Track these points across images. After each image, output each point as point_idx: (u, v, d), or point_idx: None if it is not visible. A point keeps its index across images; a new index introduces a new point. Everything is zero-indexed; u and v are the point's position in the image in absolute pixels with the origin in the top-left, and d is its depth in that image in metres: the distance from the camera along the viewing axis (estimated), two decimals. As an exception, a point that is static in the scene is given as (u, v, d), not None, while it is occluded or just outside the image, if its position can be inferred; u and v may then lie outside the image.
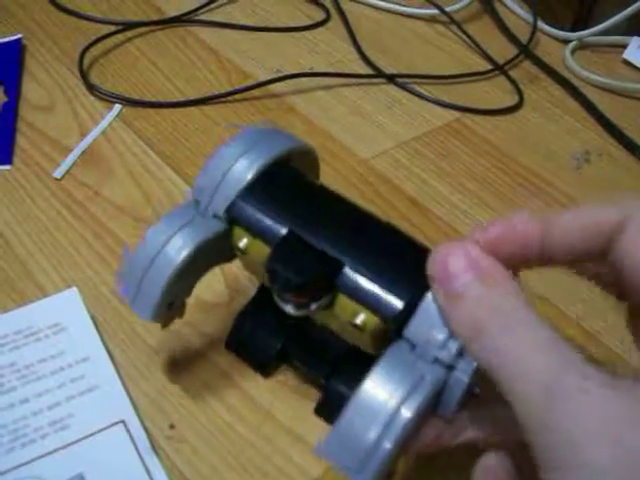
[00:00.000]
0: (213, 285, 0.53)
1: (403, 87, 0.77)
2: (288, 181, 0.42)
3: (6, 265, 0.54)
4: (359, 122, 0.72)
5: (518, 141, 0.72)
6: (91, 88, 0.71)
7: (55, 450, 0.42)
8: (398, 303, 0.36)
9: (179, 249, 0.39)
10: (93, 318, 0.49)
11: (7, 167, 0.62)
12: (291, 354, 0.48)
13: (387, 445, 0.32)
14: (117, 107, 0.69)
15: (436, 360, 0.34)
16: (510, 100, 0.78)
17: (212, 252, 0.41)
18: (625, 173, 0.70)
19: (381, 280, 0.37)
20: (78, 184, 0.61)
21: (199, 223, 0.41)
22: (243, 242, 0.40)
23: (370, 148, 0.68)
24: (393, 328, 0.36)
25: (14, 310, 0.48)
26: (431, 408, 0.34)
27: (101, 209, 0.59)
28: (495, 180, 0.67)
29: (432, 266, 0.34)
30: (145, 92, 0.72)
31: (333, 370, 0.46)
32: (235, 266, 0.52)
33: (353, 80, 0.77)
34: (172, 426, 0.45)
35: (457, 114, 0.75)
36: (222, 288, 0.53)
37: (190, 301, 0.49)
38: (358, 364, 0.38)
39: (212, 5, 0.87)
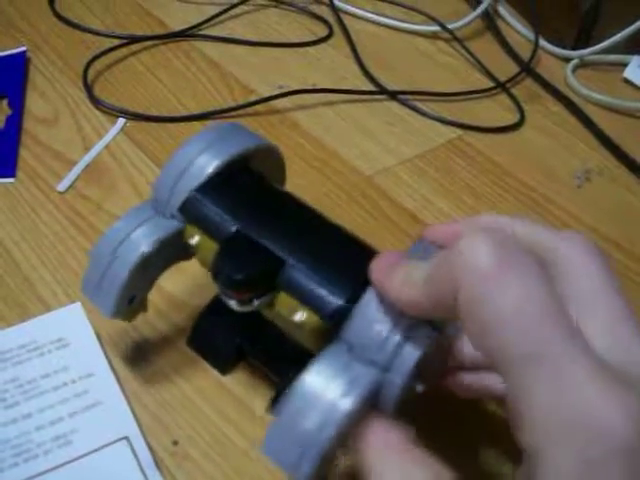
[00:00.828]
0: (208, 297, 0.53)
1: (405, 104, 0.78)
2: (242, 182, 0.44)
3: (9, 279, 0.54)
4: (361, 138, 0.72)
5: (519, 159, 0.73)
6: (95, 102, 0.71)
7: (58, 466, 0.42)
8: (335, 301, 0.37)
9: (136, 247, 0.41)
10: (97, 333, 0.49)
11: (11, 180, 0.62)
12: (248, 352, 0.49)
13: (324, 438, 0.32)
14: (121, 121, 0.69)
15: (372, 362, 0.35)
16: (511, 118, 0.78)
17: (170, 250, 0.43)
18: (626, 191, 0.71)
19: (320, 279, 0.38)
20: (81, 198, 0.61)
21: (156, 222, 0.42)
22: (194, 239, 0.42)
23: (372, 164, 0.69)
24: (331, 327, 0.37)
25: (18, 325, 0.49)
26: (368, 408, 0.34)
27: (104, 223, 0.59)
28: (496, 197, 0.67)
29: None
30: (149, 106, 0.72)
31: (287, 368, 0.45)
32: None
33: (355, 96, 0.78)
34: (175, 442, 0.45)
35: (459, 131, 0.75)
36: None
37: (191, 316, 0.49)
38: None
39: (216, 20, 0.87)
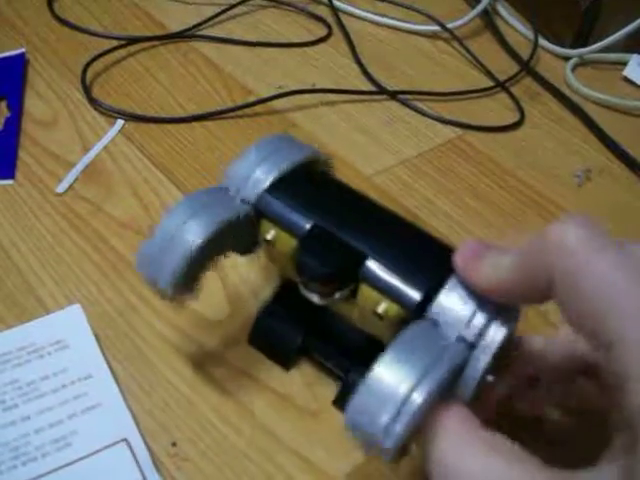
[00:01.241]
0: (214, 301, 0.53)
1: (405, 104, 0.77)
2: (313, 178, 0.46)
3: (8, 280, 0.54)
4: (361, 139, 0.72)
5: (519, 158, 0.72)
6: (94, 103, 0.71)
7: (57, 468, 0.41)
8: (417, 293, 0.38)
9: (209, 219, 0.42)
10: (96, 335, 0.49)
11: (10, 182, 0.62)
12: (311, 348, 0.50)
13: (418, 399, 0.33)
14: (120, 122, 0.69)
15: (459, 338, 0.36)
16: (511, 117, 0.78)
17: (235, 234, 0.43)
18: (626, 190, 0.71)
19: (402, 271, 0.39)
20: (80, 199, 0.61)
21: (227, 204, 0.43)
22: (271, 234, 0.43)
23: (372, 165, 0.68)
24: (412, 318, 0.38)
25: (17, 327, 0.48)
26: (450, 385, 0.35)
27: (103, 224, 0.59)
28: (496, 197, 0.67)
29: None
30: (147, 107, 0.72)
31: (352, 363, 0.47)
32: (237, 282, 0.53)
33: (355, 96, 0.77)
34: (174, 444, 0.45)
35: (459, 131, 0.75)
36: (223, 304, 0.53)
37: (190, 317, 0.49)
38: (375, 358, 0.39)
39: (214, 20, 0.87)
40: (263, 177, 0.44)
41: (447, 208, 0.65)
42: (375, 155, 0.70)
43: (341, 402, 0.47)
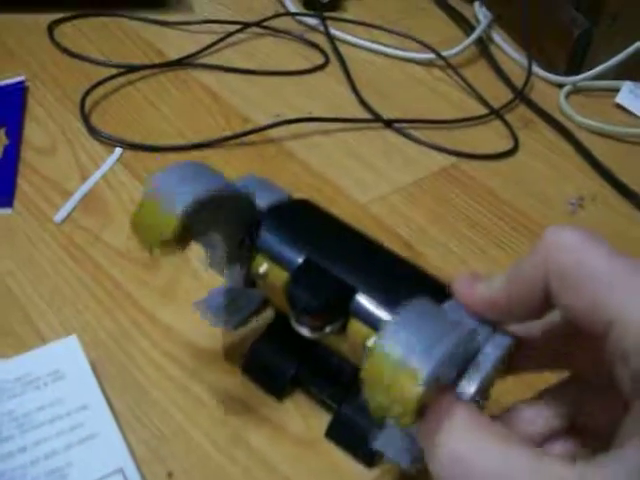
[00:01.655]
0: (209, 330, 0.54)
1: (400, 132, 0.78)
2: (304, 212, 0.47)
3: (5, 310, 0.54)
4: (357, 167, 0.73)
5: (513, 186, 0.73)
6: (92, 131, 0.72)
7: (53, 500, 0.42)
8: None
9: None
10: (92, 365, 0.49)
11: (8, 210, 0.63)
12: (304, 379, 0.50)
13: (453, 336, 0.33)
14: (118, 151, 0.70)
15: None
16: (506, 144, 0.79)
17: (235, 215, 0.43)
18: (619, 218, 0.71)
19: (391, 306, 0.39)
20: (78, 228, 0.61)
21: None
22: (263, 267, 0.43)
23: (367, 193, 0.69)
24: None
25: (14, 357, 0.49)
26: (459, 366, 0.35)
27: (101, 254, 0.59)
28: (490, 225, 0.68)
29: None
30: (146, 135, 0.73)
31: (345, 395, 0.48)
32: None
33: (351, 125, 0.78)
34: (170, 474, 0.45)
35: (453, 159, 0.76)
36: (218, 334, 0.54)
37: (186, 347, 0.50)
38: None
39: (213, 48, 0.88)
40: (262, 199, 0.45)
41: (441, 237, 0.65)
42: (370, 183, 0.71)
43: (334, 434, 0.48)
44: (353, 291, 0.41)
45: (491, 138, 0.80)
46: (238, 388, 0.50)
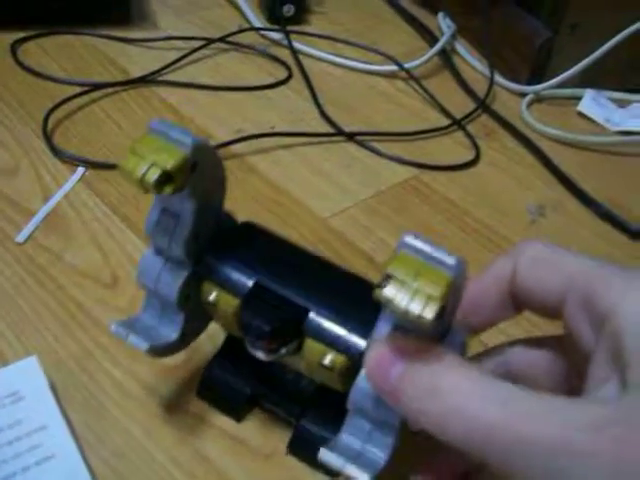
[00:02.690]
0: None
1: (363, 145, 0.79)
2: (250, 235, 0.46)
3: (-33, 332, 0.54)
4: (319, 181, 0.73)
5: (474, 196, 0.74)
6: (55, 151, 0.72)
7: (12, 522, 0.42)
8: (361, 341, 0.40)
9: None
10: (52, 385, 0.49)
11: (-30, 232, 0.63)
12: (261, 397, 0.51)
13: None
14: (80, 170, 0.70)
15: None
16: (467, 155, 0.80)
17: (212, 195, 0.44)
18: (580, 226, 0.72)
19: (345, 322, 0.41)
20: (40, 249, 0.61)
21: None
22: (212, 295, 0.43)
23: (329, 207, 0.70)
24: (358, 365, 0.38)
25: (-27, 379, 0.49)
26: None
27: (63, 274, 0.59)
28: (451, 236, 0.68)
29: (367, 374, 0.35)
30: (109, 154, 0.73)
31: (303, 409, 0.48)
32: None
33: (313, 139, 0.79)
34: (129, 492, 0.46)
35: (415, 171, 0.76)
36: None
37: (146, 363, 0.50)
38: (325, 403, 0.46)
39: (176, 65, 0.89)
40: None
41: (402, 249, 0.66)
42: (331, 197, 0.71)
43: (295, 449, 0.49)
44: (306, 311, 0.41)
45: (453, 149, 0.81)
46: (198, 403, 0.51)
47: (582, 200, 0.76)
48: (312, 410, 0.48)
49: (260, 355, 0.42)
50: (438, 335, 0.36)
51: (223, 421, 0.50)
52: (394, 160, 0.78)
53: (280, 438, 0.49)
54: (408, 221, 0.69)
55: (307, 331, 0.41)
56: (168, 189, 0.37)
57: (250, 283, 0.43)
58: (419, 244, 0.33)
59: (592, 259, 0.35)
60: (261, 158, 0.75)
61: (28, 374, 0.49)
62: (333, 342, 0.40)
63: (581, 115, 0.91)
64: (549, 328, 0.39)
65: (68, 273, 0.60)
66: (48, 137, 0.73)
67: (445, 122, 0.85)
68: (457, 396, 0.31)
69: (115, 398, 0.51)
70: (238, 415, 0.50)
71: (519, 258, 0.37)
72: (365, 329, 0.39)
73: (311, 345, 0.41)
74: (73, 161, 0.71)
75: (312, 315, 0.41)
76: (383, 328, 0.36)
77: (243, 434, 0.49)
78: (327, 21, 1.05)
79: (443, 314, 0.31)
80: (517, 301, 0.38)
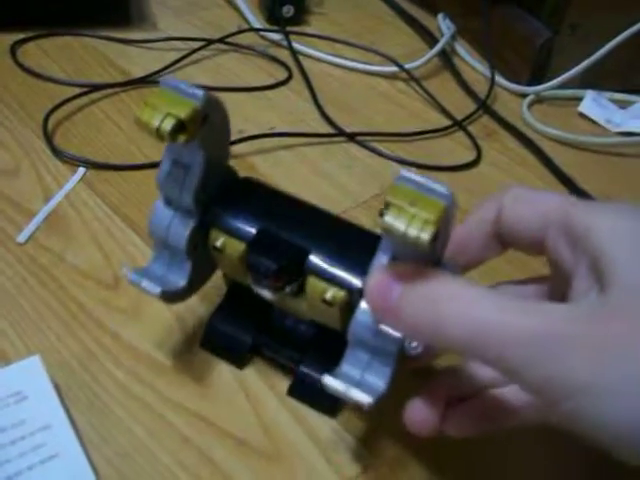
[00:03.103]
0: (170, 349, 0.54)
1: (363, 145, 0.79)
2: (252, 187, 0.50)
3: (-31, 332, 0.54)
4: (319, 181, 0.73)
5: (476, 197, 0.73)
6: (56, 152, 0.72)
7: (16, 521, 0.42)
8: (357, 279, 0.43)
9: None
10: (55, 384, 0.49)
11: (-29, 232, 0.63)
12: (262, 345, 0.54)
13: None
14: (81, 170, 0.70)
15: None
16: (469, 155, 0.80)
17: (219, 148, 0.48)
18: (581, 226, 0.72)
19: (343, 261, 0.44)
20: (42, 249, 0.61)
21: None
22: (220, 241, 0.46)
23: (330, 207, 0.68)
24: (357, 300, 0.42)
25: (-24, 379, 0.49)
26: None
27: (65, 274, 0.59)
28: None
29: (368, 299, 0.39)
30: (109, 155, 0.73)
31: (302, 355, 0.52)
32: (196, 328, 0.54)
33: (314, 139, 0.79)
34: (133, 492, 0.45)
35: (416, 171, 0.76)
36: (182, 351, 0.54)
37: (149, 364, 0.51)
38: (323, 347, 0.49)
39: (176, 66, 0.89)
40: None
41: (404, 249, 0.66)
42: (333, 197, 0.71)
43: (295, 392, 0.52)
44: (307, 252, 0.45)
45: (454, 149, 0.81)
46: (202, 404, 0.51)
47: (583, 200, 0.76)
48: (310, 355, 0.52)
49: (266, 294, 0.47)
50: (432, 264, 0.38)
51: (227, 422, 0.50)
52: (395, 161, 0.77)
53: (284, 439, 0.49)
54: (410, 221, 0.69)
55: (309, 270, 0.44)
56: (182, 138, 0.40)
57: (255, 229, 0.46)
58: (415, 177, 0.35)
59: (564, 195, 0.40)
60: (262, 159, 0.75)
61: (31, 374, 0.49)
62: (333, 279, 0.44)
63: (582, 116, 0.91)
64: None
65: (69, 273, 0.59)
66: (48, 138, 0.73)
67: (446, 123, 0.85)
68: (456, 302, 0.34)
69: (118, 398, 0.50)
70: (241, 363, 0.53)
71: (502, 200, 0.42)
72: (362, 268, 0.42)
73: (313, 283, 0.44)
74: (73, 161, 0.71)
75: (313, 256, 0.45)
76: (382, 258, 0.40)
77: (247, 435, 0.49)
78: (326, 22, 1.05)
79: (437, 237, 0.34)
80: (502, 240, 0.43)
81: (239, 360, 0.53)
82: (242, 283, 0.49)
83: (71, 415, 0.48)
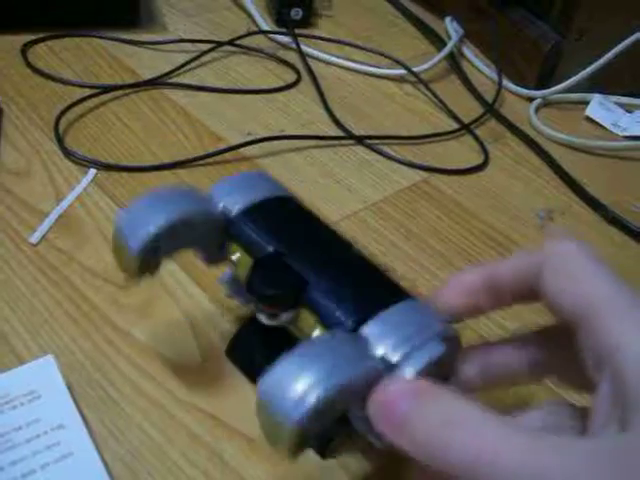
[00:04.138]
0: (184, 348, 0.54)
1: (372, 148, 0.79)
2: (283, 207, 0.49)
3: (-18, 331, 0.55)
4: (329, 184, 0.73)
5: (484, 200, 0.74)
6: (67, 152, 0.72)
7: (30, 519, 0.43)
8: (349, 321, 0.40)
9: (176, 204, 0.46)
10: (68, 384, 0.50)
11: (-16, 232, 0.63)
12: None
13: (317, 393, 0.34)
14: (92, 171, 0.70)
15: (382, 358, 0.38)
16: (476, 159, 0.80)
17: (201, 233, 0.47)
18: (588, 231, 0.73)
19: (336, 300, 0.42)
20: (54, 249, 0.62)
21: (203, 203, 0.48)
22: (236, 256, 0.46)
23: (339, 210, 0.70)
24: None
25: (-10, 378, 0.49)
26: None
27: (76, 274, 0.60)
28: (461, 240, 0.69)
29: (373, 409, 0.35)
30: (120, 156, 0.73)
31: None
32: (208, 329, 0.54)
33: (323, 142, 0.79)
34: (145, 491, 0.46)
35: (424, 174, 0.77)
36: (194, 351, 0.55)
37: (161, 364, 0.51)
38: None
39: (185, 67, 0.89)
40: (240, 199, 0.48)
41: (412, 252, 0.66)
42: (342, 200, 0.72)
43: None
44: (306, 283, 0.43)
45: (462, 153, 0.82)
46: (213, 403, 0.51)
47: (590, 204, 0.76)
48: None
49: (262, 318, 0.45)
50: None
51: (237, 421, 0.50)
52: (403, 163, 0.78)
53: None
54: (418, 225, 0.70)
55: (304, 302, 0.43)
56: (147, 276, 0.46)
57: (270, 249, 0.45)
58: None
59: (611, 284, 0.35)
60: (271, 161, 0.75)
61: (45, 373, 0.49)
62: (323, 317, 0.42)
63: (589, 119, 0.91)
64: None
65: (81, 274, 0.60)
66: (60, 139, 0.74)
67: (454, 126, 0.86)
68: (463, 429, 0.31)
69: (130, 397, 0.51)
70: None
71: (547, 258, 0.38)
72: (354, 312, 0.41)
73: (305, 316, 0.43)
74: (84, 163, 0.71)
75: (310, 288, 0.43)
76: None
77: (257, 433, 0.50)
78: (335, 24, 1.06)
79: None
80: (534, 295, 0.39)
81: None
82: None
83: (84, 414, 0.49)
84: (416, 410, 0.33)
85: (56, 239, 0.63)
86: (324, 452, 0.48)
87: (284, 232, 0.47)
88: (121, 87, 0.84)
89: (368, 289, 0.43)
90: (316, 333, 0.42)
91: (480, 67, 0.98)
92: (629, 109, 0.93)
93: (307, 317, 0.43)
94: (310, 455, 0.48)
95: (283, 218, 0.48)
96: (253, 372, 0.52)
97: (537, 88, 0.93)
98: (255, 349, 0.52)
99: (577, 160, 0.83)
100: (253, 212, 0.47)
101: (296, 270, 0.44)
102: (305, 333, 0.43)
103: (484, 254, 0.67)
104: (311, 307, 0.42)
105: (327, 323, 0.41)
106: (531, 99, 0.93)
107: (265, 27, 1.01)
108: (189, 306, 0.57)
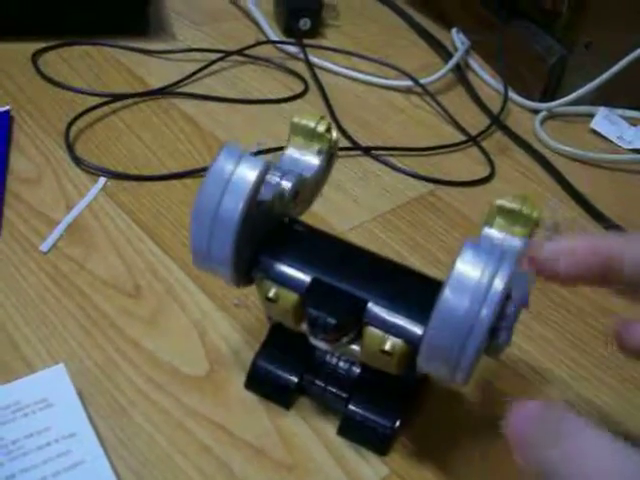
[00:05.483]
0: (193, 358, 0.55)
1: (378, 159, 0.80)
2: (299, 233, 0.50)
3: (-6, 339, 0.55)
4: (335, 195, 0.74)
5: (489, 212, 0.75)
6: (77, 161, 0.73)
7: (41, 526, 0.43)
8: (418, 328, 0.43)
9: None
10: (79, 392, 0.50)
11: (-4, 240, 0.64)
12: (308, 387, 0.53)
13: (486, 315, 0.38)
14: (102, 180, 0.71)
15: None
16: (482, 171, 0.81)
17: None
18: (592, 243, 0.73)
19: (402, 309, 0.44)
20: (64, 258, 0.62)
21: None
22: (272, 292, 0.46)
23: (346, 221, 0.71)
24: (415, 350, 0.42)
25: (2, 385, 0.50)
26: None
27: (86, 283, 0.60)
28: (467, 251, 0.69)
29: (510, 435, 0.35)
30: (129, 165, 0.74)
31: (350, 394, 0.51)
32: (216, 340, 0.55)
33: (330, 153, 0.80)
34: (154, 499, 0.46)
35: (431, 186, 0.77)
36: (202, 361, 0.55)
37: (170, 374, 0.52)
38: (371, 387, 0.50)
39: (195, 77, 0.90)
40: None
41: (418, 263, 0.67)
42: (349, 211, 0.72)
43: (345, 431, 0.51)
44: (365, 302, 0.44)
45: (468, 165, 0.82)
46: (221, 413, 0.52)
47: (595, 217, 0.77)
48: (358, 393, 0.51)
49: (322, 345, 0.45)
50: None
51: (245, 431, 0.51)
52: (410, 175, 0.79)
53: (302, 449, 0.50)
54: (424, 237, 0.70)
55: (367, 320, 0.44)
56: None
57: (308, 279, 0.46)
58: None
59: None
60: (279, 171, 0.76)
61: (56, 381, 0.50)
62: (392, 328, 0.43)
63: (594, 132, 0.92)
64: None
65: (91, 282, 0.60)
66: (70, 147, 0.74)
67: (460, 138, 0.86)
68: (587, 458, 0.31)
69: (139, 406, 0.51)
70: (287, 403, 0.53)
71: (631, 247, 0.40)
72: (421, 315, 0.42)
73: (371, 333, 0.44)
74: (94, 171, 0.72)
75: (370, 305, 0.44)
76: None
77: (265, 444, 0.50)
78: (342, 35, 1.07)
79: None
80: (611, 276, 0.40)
81: (285, 400, 0.53)
82: (293, 330, 0.48)
83: (94, 422, 0.49)
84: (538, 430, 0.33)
85: (66, 247, 0.64)
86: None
87: (316, 257, 0.47)
88: (131, 96, 0.85)
89: (420, 291, 0.45)
90: (389, 345, 0.43)
91: (486, 79, 0.99)
92: (634, 122, 0.93)
93: (373, 333, 0.44)
94: (316, 458, 0.48)
95: (305, 243, 0.49)
96: (285, 395, 0.53)
97: (542, 100, 0.94)
98: (277, 372, 0.53)
99: (582, 173, 0.84)
100: (275, 244, 0.48)
101: (349, 292, 0.45)
102: (373, 348, 0.44)
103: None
104: (376, 322, 0.44)
105: (398, 334, 0.43)
106: (537, 111, 0.94)
107: (273, 37, 1.01)
108: (198, 315, 0.58)
